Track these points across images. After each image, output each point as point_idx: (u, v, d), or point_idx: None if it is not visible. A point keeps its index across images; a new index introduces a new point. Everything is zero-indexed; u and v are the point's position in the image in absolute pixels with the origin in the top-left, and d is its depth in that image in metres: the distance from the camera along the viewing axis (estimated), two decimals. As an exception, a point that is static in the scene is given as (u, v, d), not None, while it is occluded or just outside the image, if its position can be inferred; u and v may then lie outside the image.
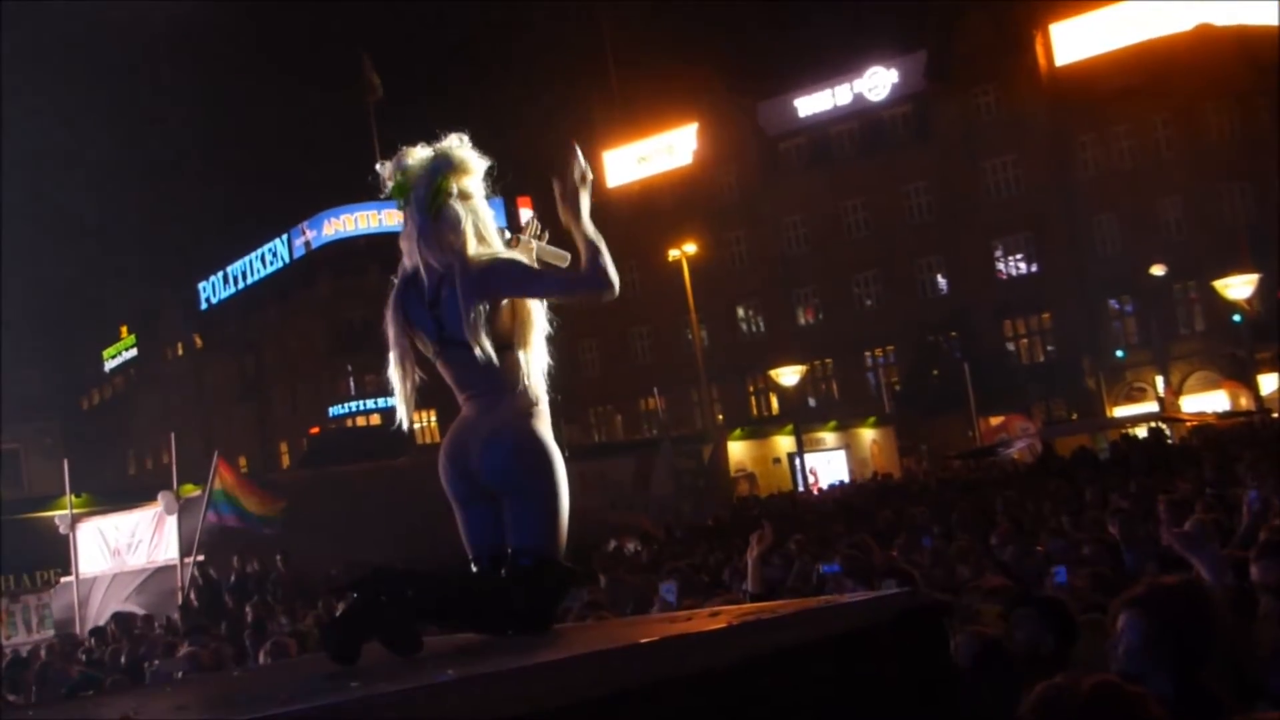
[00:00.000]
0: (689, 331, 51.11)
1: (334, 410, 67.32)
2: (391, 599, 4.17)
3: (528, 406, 4.73)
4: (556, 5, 56.84)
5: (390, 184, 4.86)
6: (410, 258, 4.81)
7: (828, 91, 56.91)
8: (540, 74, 57.42)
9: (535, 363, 4.80)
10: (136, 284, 79.68)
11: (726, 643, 3.63)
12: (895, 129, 55.90)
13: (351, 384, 67.83)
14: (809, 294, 57.83)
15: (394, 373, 4.89)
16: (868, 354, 56.68)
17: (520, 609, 4.47)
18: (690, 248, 49.04)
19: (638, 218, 56.70)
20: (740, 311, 59.57)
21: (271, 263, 73.91)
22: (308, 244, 70.80)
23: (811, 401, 55.64)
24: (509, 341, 4.75)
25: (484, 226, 4.85)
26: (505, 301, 4.74)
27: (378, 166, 4.92)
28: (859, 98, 56.35)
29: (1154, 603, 4.58)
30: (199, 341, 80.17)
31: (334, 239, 68.59)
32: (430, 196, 4.76)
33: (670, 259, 49.99)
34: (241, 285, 76.26)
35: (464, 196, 4.83)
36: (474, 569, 4.71)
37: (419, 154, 4.86)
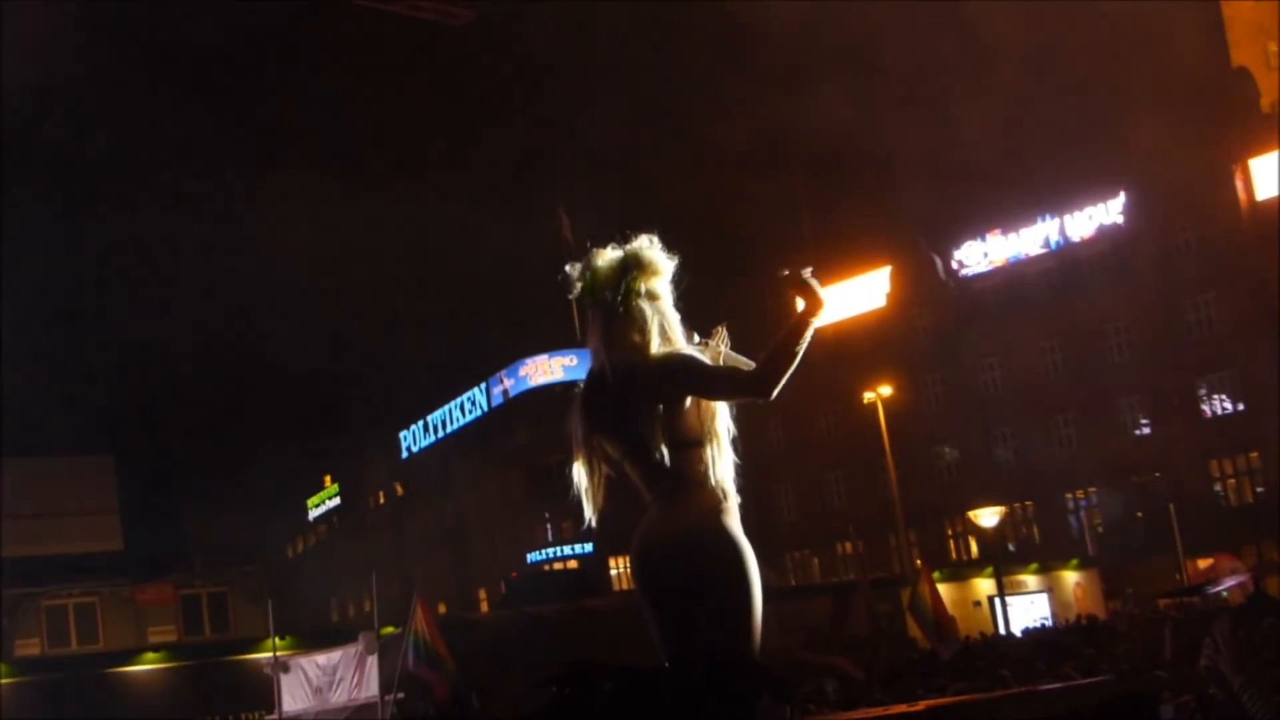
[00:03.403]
0: (885, 475, 50.58)
1: (532, 557, 67.71)
2: (591, 694, 4.16)
3: (716, 504, 4.69)
4: (748, 150, 57.33)
5: (579, 285, 4.93)
6: (596, 358, 4.86)
7: (1025, 232, 56.51)
8: (732, 219, 57.83)
9: (722, 458, 4.78)
10: (340, 434, 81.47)
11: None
12: (1093, 269, 55.16)
13: (549, 531, 68.21)
14: (1007, 435, 57.04)
15: (579, 471, 4.91)
16: (1069, 496, 55.53)
17: (718, 710, 4.42)
18: (885, 390, 48.80)
19: (831, 361, 56.48)
20: (937, 454, 58.92)
21: (470, 411, 75.08)
22: (505, 392, 71.81)
23: (1011, 546, 54.68)
24: (695, 438, 4.73)
25: (670, 328, 4.87)
26: (690, 397, 4.75)
27: (566, 268, 4.98)
28: (1056, 238, 55.86)
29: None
30: (399, 490, 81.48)
31: (531, 387, 69.47)
32: (618, 296, 4.81)
33: (865, 401, 49.79)
34: (441, 434, 77.50)
35: (651, 297, 4.86)
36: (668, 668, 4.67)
37: (608, 254, 4.92)
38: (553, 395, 63.44)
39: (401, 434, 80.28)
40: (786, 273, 4.96)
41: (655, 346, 4.78)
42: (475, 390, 74.48)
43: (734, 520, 4.72)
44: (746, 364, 5.03)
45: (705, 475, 4.71)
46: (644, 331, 4.79)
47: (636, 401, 4.71)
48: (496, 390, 72.72)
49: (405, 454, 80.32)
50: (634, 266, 4.87)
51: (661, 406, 4.68)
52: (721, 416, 4.83)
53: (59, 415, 48.15)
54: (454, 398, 76.14)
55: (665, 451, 4.65)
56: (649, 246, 4.94)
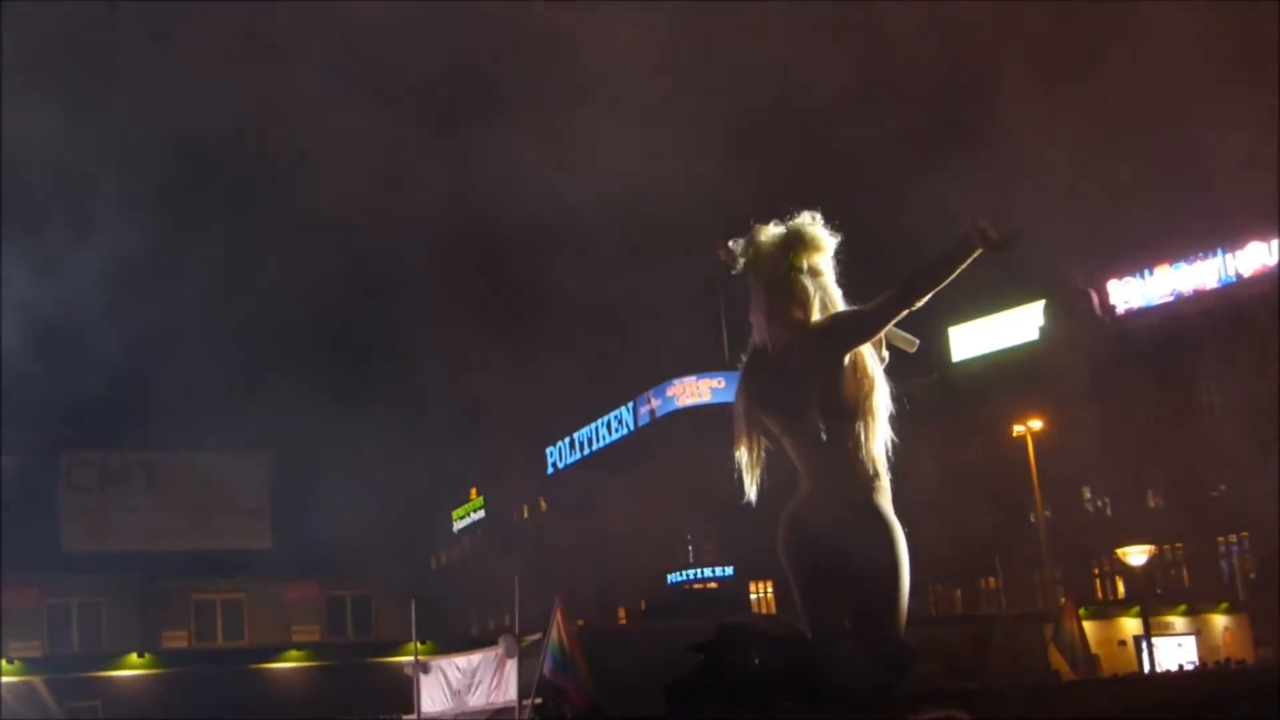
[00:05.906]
0: (1032, 511, 49.96)
1: (672, 578, 67.71)
2: (739, 662, 4.19)
3: (869, 481, 4.72)
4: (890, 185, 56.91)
5: (742, 260, 4.98)
6: (759, 333, 4.90)
7: (1183, 269, 55.60)
8: (876, 242, 57.32)
9: (876, 434, 4.80)
10: (487, 447, 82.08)
11: (1091, 693, 3.60)
12: (1255, 310, 53.95)
13: (690, 553, 68.18)
14: (1158, 476, 55.95)
15: (741, 446, 4.96)
16: (1220, 540, 54.39)
17: (865, 682, 4.44)
18: (1035, 425, 48.20)
19: (982, 394, 55.98)
20: (1086, 491, 58.04)
21: (617, 430, 75.40)
22: (652, 412, 72.01)
23: (1159, 588, 53.65)
24: (852, 411, 4.76)
25: (831, 303, 4.91)
26: (849, 367, 4.77)
27: (730, 243, 5.03)
28: (1216, 277, 54.86)
29: None
30: (544, 505, 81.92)
31: (679, 408, 69.54)
32: (780, 271, 4.85)
33: (1015, 436, 49.22)
34: (587, 451, 77.88)
35: (814, 273, 4.90)
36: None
37: (771, 230, 4.96)
38: (700, 416, 63.49)
39: (548, 450, 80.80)
40: (984, 226, 4.98)
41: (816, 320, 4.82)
42: (623, 409, 74.80)
43: (885, 499, 4.75)
44: (911, 340, 5.08)
45: (859, 451, 4.74)
46: (805, 306, 4.84)
47: (796, 373, 4.76)
48: (644, 410, 72.98)
49: (550, 470, 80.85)
50: (797, 242, 4.91)
51: (820, 377, 4.72)
52: (879, 392, 4.86)
53: (218, 414, 49.12)
54: (601, 416, 76.47)
55: (822, 425, 4.69)
56: (812, 223, 4.99)
